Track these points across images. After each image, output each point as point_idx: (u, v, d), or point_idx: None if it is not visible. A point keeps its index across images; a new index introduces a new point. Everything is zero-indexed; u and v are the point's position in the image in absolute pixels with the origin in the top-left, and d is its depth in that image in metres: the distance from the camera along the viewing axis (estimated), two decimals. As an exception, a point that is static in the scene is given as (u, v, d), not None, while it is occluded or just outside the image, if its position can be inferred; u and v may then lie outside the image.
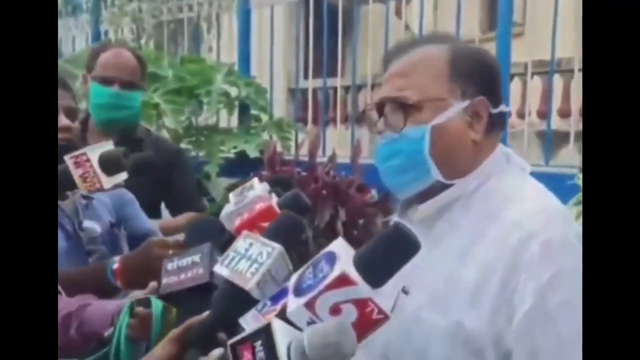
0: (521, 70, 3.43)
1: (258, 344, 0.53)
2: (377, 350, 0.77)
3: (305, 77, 3.75)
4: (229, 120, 3.46)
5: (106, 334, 0.84)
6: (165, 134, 2.96)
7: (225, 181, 3.28)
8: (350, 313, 0.56)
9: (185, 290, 0.71)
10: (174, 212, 1.40)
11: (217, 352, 0.61)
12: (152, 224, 1.32)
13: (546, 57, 3.27)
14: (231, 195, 0.90)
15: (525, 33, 4.82)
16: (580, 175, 1.90)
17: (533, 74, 2.99)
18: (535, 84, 3.40)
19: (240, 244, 0.67)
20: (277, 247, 0.65)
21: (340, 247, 0.60)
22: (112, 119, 1.61)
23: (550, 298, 0.72)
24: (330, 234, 2.04)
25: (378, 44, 3.37)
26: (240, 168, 3.14)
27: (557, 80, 3.13)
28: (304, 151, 3.01)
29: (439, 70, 0.81)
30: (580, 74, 2.90)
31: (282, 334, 0.53)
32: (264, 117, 3.43)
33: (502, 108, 0.86)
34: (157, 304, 0.81)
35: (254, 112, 3.43)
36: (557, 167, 2.50)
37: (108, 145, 1.01)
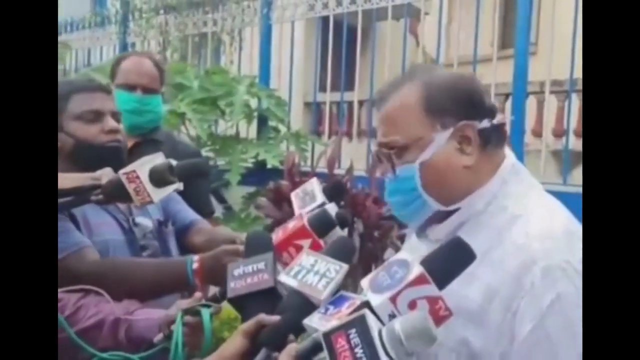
0: (536, 89, 3.48)
1: (352, 331, 0.61)
2: None
3: (322, 90, 3.84)
4: (247, 130, 3.56)
5: (155, 339, 0.90)
6: (187, 141, 3.05)
7: (242, 190, 3.37)
8: (423, 308, 0.65)
9: (250, 294, 0.78)
10: None
11: (262, 354, 0.69)
12: (195, 214, 1.39)
13: (559, 77, 3.34)
14: (293, 196, 1.00)
15: (538, 52, 4.89)
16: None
17: (550, 92, 3.03)
18: (551, 104, 3.45)
19: (304, 259, 0.77)
20: (345, 265, 0.76)
21: (407, 255, 0.70)
22: (136, 123, 1.69)
23: (550, 322, 0.74)
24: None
25: (395, 59, 3.45)
26: (257, 177, 3.23)
27: (573, 100, 3.17)
28: (321, 163, 3.09)
29: (414, 110, 0.85)
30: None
31: (373, 323, 0.62)
32: (282, 129, 3.53)
33: (498, 120, 0.87)
34: (205, 313, 0.87)
35: (271, 123, 3.54)
36: (574, 187, 2.51)
37: (155, 159, 1.07)
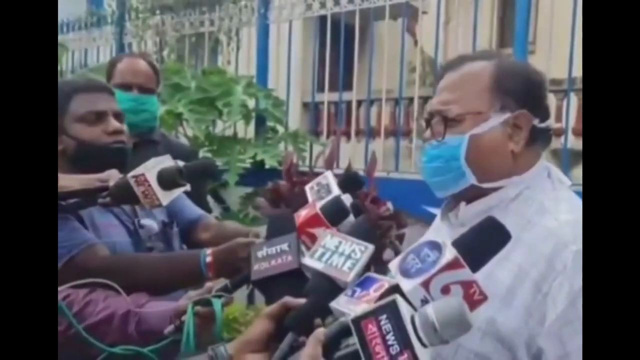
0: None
1: (383, 317, 0.59)
2: None
3: (320, 90, 3.83)
4: (245, 130, 3.55)
5: (166, 331, 0.89)
6: (185, 141, 3.04)
7: (240, 190, 3.36)
8: (457, 293, 0.62)
9: (274, 276, 0.76)
10: None
11: (289, 338, 0.68)
12: (201, 210, 1.37)
13: (558, 76, 3.34)
14: (307, 190, 0.97)
15: (537, 51, 4.89)
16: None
17: (548, 91, 3.02)
18: (549, 102, 3.43)
19: (328, 241, 0.75)
20: (370, 246, 0.73)
21: (438, 236, 0.67)
22: (132, 122, 1.63)
23: (581, 303, 0.74)
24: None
25: (393, 58, 3.45)
26: (255, 178, 3.22)
27: (571, 99, 3.17)
28: (319, 163, 3.08)
29: (481, 85, 0.87)
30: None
31: (405, 309, 0.60)
32: (280, 129, 3.52)
33: (547, 124, 0.89)
34: (216, 303, 0.87)
35: (269, 123, 3.53)
36: (573, 186, 2.51)
37: (163, 162, 1.06)
